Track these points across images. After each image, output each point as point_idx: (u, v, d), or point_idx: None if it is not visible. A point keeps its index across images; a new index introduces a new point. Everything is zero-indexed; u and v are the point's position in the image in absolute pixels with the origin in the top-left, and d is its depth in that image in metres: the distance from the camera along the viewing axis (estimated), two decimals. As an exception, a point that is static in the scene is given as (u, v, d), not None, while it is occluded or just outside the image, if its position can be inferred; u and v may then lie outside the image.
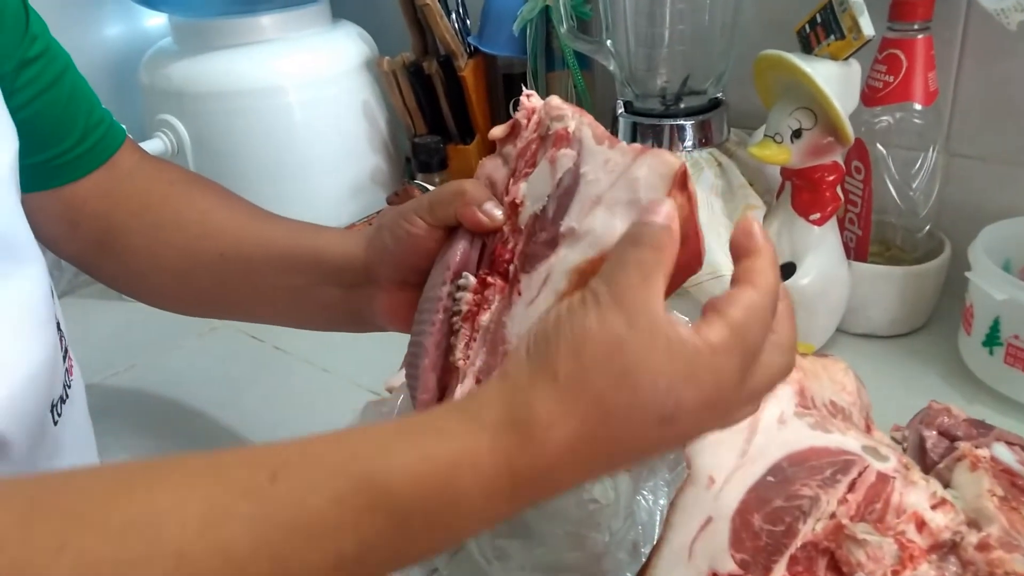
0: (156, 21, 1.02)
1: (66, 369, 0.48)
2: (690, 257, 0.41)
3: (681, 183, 0.38)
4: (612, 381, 0.31)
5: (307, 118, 0.90)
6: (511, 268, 0.43)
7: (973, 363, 0.63)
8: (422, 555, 0.33)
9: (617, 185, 0.39)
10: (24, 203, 0.50)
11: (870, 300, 0.68)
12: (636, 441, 0.32)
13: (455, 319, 0.43)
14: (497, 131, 0.47)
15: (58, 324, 0.47)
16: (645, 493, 0.48)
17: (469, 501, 0.31)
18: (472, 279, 0.44)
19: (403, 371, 0.67)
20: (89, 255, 0.57)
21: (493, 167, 0.47)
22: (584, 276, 0.38)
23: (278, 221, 0.56)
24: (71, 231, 0.56)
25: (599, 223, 0.39)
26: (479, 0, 0.91)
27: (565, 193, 0.41)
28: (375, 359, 0.70)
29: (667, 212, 0.35)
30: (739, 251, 0.36)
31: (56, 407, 0.46)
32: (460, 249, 0.45)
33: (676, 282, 0.41)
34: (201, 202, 0.57)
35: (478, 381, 0.41)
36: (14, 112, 0.46)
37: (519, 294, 0.41)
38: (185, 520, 0.27)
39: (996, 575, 0.35)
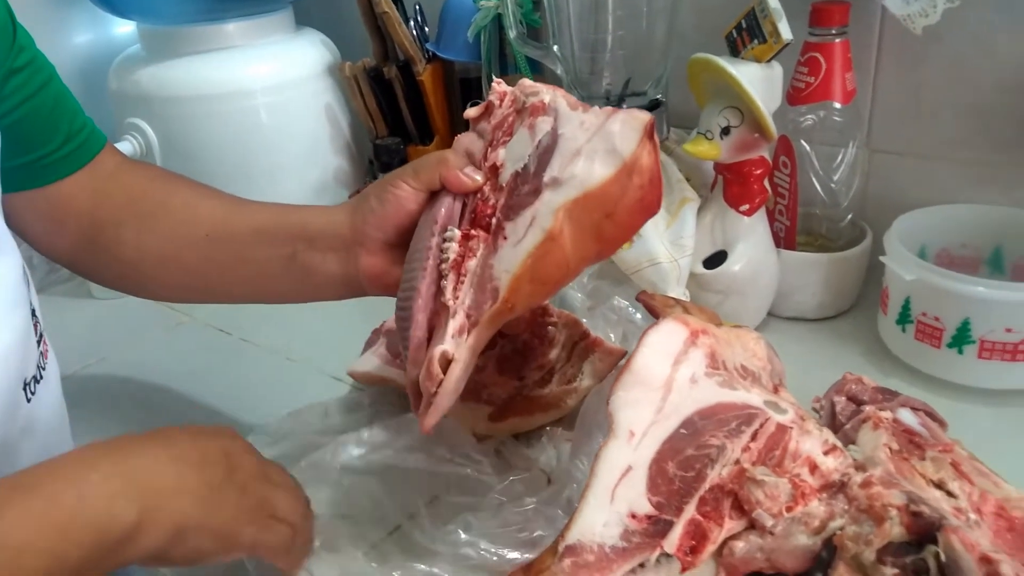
0: (124, 29, 1.05)
1: (40, 352, 0.52)
2: (653, 199, 0.47)
3: (650, 133, 0.45)
4: None
5: (272, 121, 0.94)
6: (493, 221, 0.48)
7: (889, 341, 0.68)
8: None
9: (595, 139, 0.46)
10: (10, 203, 0.53)
11: (798, 285, 0.73)
12: None
13: (443, 267, 0.48)
14: (472, 111, 0.53)
15: (33, 310, 0.51)
16: (583, 457, 0.52)
17: None
18: (457, 232, 0.49)
19: (365, 354, 0.72)
20: (78, 251, 0.60)
21: (469, 141, 0.53)
22: (569, 213, 0.45)
23: (259, 203, 0.60)
24: (58, 229, 0.59)
25: (580, 169, 0.45)
26: (436, 8, 0.95)
27: (545, 151, 0.47)
28: (336, 347, 0.74)
29: None
30: None
31: (29, 386, 0.49)
32: (445, 206, 0.50)
33: (640, 221, 0.47)
34: (183, 193, 0.60)
35: (468, 316, 0.46)
36: (1, 117, 0.50)
37: (504, 239, 0.46)
38: None
39: (875, 507, 0.39)
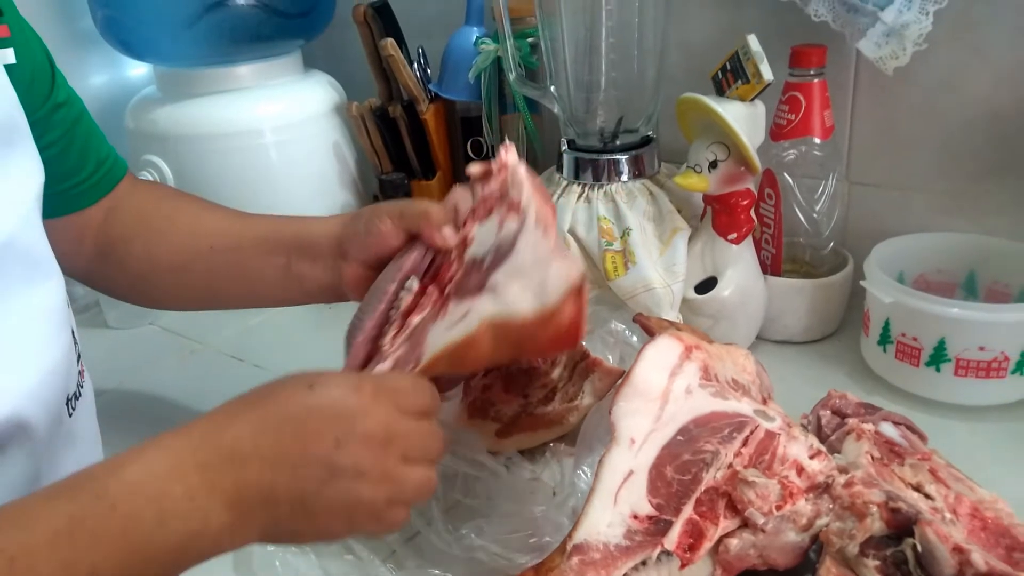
0: (139, 71, 1.10)
1: (79, 371, 0.55)
2: (570, 341, 0.47)
3: (578, 290, 0.45)
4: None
5: (282, 158, 0.98)
6: (447, 289, 0.51)
7: (872, 361, 0.72)
8: None
9: (536, 269, 0.47)
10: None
11: (785, 310, 0.77)
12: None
13: (393, 312, 0.52)
14: (474, 169, 0.56)
15: (72, 331, 0.54)
16: (584, 468, 0.56)
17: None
18: (416, 284, 0.53)
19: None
20: (94, 267, 0.64)
21: (461, 197, 0.57)
22: (492, 325, 0.46)
23: (259, 215, 0.64)
24: (77, 247, 0.63)
25: (513, 294, 0.46)
26: (439, 51, 1.00)
27: (501, 255, 0.49)
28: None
29: None
30: None
31: (71, 402, 0.53)
32: (413, 258, 0.54)
33: (554, 353, 0.51)
34: (190, 208, 0.65)
35: (395, 365, 0.49)
36: (43, 150, 0.54)
37: (444, 315, 0.49)
38: None
39: (857, 504, 0.43)
